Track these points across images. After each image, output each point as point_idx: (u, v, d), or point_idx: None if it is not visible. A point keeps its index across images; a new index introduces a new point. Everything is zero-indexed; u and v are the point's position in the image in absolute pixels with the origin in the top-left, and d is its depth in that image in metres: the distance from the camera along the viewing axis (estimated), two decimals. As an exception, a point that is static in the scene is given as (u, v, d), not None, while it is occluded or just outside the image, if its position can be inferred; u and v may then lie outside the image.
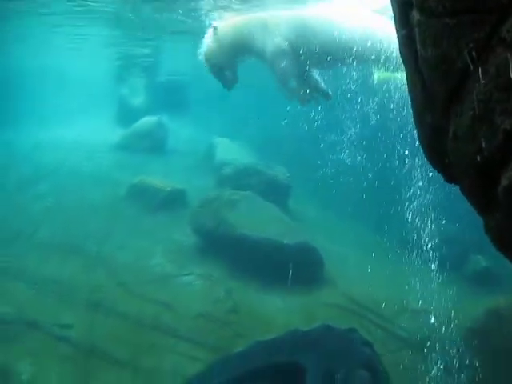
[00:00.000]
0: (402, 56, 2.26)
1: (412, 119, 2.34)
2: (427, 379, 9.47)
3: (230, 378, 6.48)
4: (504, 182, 1.68)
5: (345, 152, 18.01)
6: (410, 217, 15.24)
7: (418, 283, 12.51)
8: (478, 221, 2.12)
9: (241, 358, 6.98)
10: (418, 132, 2.27)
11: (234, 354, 7.60)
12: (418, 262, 14.25)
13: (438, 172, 2.24)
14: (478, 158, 1.73)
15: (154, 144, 19.10)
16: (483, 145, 1.67)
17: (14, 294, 10.57)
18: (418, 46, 1.95)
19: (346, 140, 18.24)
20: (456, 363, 9.59)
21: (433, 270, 13.53)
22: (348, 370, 4.94)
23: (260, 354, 6.60)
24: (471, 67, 1.65)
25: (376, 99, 16.96)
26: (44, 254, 11.84)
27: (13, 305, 10.26)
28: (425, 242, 14.90)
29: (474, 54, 1.62)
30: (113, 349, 9.40)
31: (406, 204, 15.37)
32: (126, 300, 10.43)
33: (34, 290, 10.74)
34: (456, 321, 10.30)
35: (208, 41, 8.72)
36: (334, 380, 4.85)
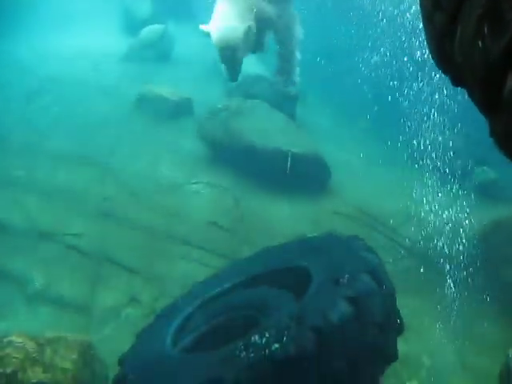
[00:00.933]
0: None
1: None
2: (429, 285, 9.70)
3: (237, 282, 6.65)
4: (510, 83, 1.66)
5: (361, 63, 17.75)
6: (420, 130, 15.18)
7: (424, 194, 12.59)
8: (486, 134, 2.10)
9: (249, 262, 7.14)
10: (426, 33, 2.22)
11: (243, 260, 7.77)
12: (425, 174, 14.30)
13: (445, 74, 2.20)
14: (485, 58, 1.69)
15: (160, 53, 18.74)
16: (490, 44, 1.63)
17: (25, 204, 10.71)
18: None
19: (362, 52, 17.95)
20: (457, 271, 9.78)
21: (440, 181, 13.60)
22: (351, 274, 5.05)
23: (267, 259, 6.75)
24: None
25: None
26: (53, 165, 11.90)
27: (24, 215, 10.43)
28: (433, 154, 14.90)
29: None
30: (123, 257, 9.62)
31: (416, 117, 15.26)
32: (136, 209, 10.57)
33: (45, 200, 10.87)
34: (460, 230, 10.43)
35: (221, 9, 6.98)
36: (339, 284, 4.97)
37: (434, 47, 2.17)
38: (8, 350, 6.06)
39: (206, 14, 7.53)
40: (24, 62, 17.32)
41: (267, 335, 4.58)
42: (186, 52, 19.39)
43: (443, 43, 2.06)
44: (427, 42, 2.24)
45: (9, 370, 5.84)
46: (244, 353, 4.54)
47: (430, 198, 12.28)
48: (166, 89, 14.93)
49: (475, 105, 2.05)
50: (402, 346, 5.73)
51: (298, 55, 6.30)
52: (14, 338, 6.28)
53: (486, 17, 1.61)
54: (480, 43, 1.67)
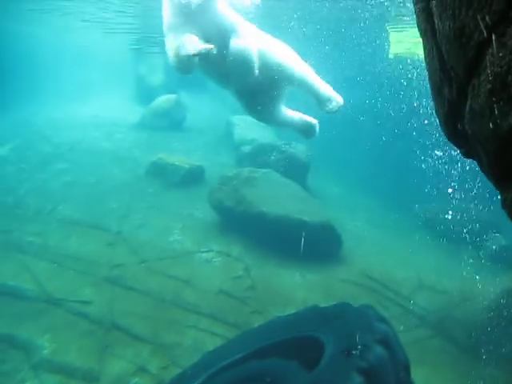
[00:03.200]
0: (419, 30, 2.24)
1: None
2: (444, 356, 9.50)
3: (248, 352, 6.54)
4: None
5: (365, 131, 17.98)
6: (429, 196, 15.20)
7: (435, 261, 12.50)
8: (496, 200, 2.12)
9: (260, 332, 7.03)
10: (436, 106, 2.26)
11: (253, 329, 7.66)
12: (436, 241, 14.23)
13: (455, 147, 2.23)
14: (495, 132, 1.72)
15: (172, 122, 19.12)
16: (499, 120, 1.66)
17: (35, 270, 10.72)
18: (436, 20, 1.93)
19: (365, 118, 18.21)
20: (471, 341, 9.59)
21: (451, 249, 13.51)
22: (365, 346, 4.96)
23: (278, 329, 6.65)
24: (488, 40, 1.64)
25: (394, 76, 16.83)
26: (64, 231, 11.97)
27: (34, 281, 10.42)
28: (443, 220, 14.87)
29: (491, 26, 1.60)
30: (132, 325, 9.52)
31: (426, 184, 15.32)
32: (146, 276, 10.54)
33: (55, 266, 10.88)
34: (473, 299, 10.29)
35: None
36: (351, 356, 4.88)
37: (443, 120, 2.21)
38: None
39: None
40: (40, 130, 17.70)
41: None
42: (198, 120, 19.76)
43: (452, 117, 2.09)
44: (437, 115, 2.28)
45: None
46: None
47: (442, 266, 12.18)
48: (177, 157, 15.14)
49: (486, 176, 2.07)
50: (416, 419, 5.57)
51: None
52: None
53: (495, 92, 1.64)
54: (490, 118, 1.70)
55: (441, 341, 9.88)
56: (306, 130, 6.33)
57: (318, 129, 6.38)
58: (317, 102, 5.73)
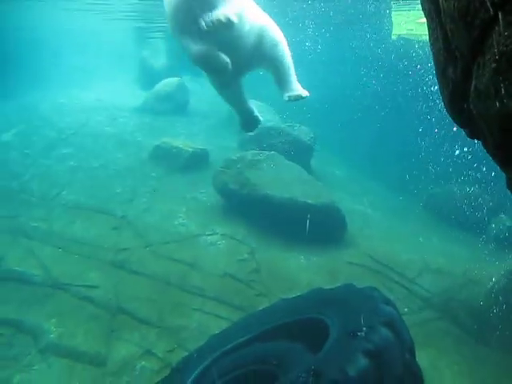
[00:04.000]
0: (423, 10, 2.21)
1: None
2: (449, 338, 9.53)
3: (253, 335, 6.57)
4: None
5: (370, 113, 17.93)
6: (434, 179, 15.17)
7: (440, 244, 12.50)
8: (502, 182, 2.11)
9: (265, 315, 7.06)
10: (440, 87, 2.24)
11: (258, 312, 7.68)
12: (441, 223, 14.24)
13: (460, 127, 2.21)
14: (501, 112, 1.70)
15: (176, 105, 19.07)
16: (505, 99, 1.64)
17: (41, 255, 10.77)
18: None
19: (371, 101, 18.15)
20: (476, 323, 9.61)
21: (456, 231, 13.51)
22: (370, 327, 4.97)
23: (283, 312, 6.67)
24: (494, 18, 1.61)
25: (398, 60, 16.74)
26: (69, 216, 12.01)
27: (40, 266, 10.48)
28: (448, 203, 14.86)
29: (498, 3, 1.58)
30: (138, 309, 9.56)
31: (430, 166, 15.29)
32: (151, 260, 10.57)
33: (60, 251, 10.92)
34: (478, 281, 10.30)
35: None
36: (357, 337, 4.89)
37: (448, 101, 2.19)
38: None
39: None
40: (44, 115, 17.69)
41: (284, 390, 4.50)
42: (201, 104, 19.69)
43: (457, 97, 2.07)
44: (441, 96, 2.26)
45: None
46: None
47: (446, 248, 12.19)
48: (181, 140, 15.12)
49: (491, 157, 2.06)
50: (421, 400, 5.60)
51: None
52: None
53: (501, 71, 1.62)
54: (496, 97, 1.68)
55: (445, 323, 9.91)
56: (249, 123, 6.27)
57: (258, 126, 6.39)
58: (282, 87, 5.62)
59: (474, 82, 1.83)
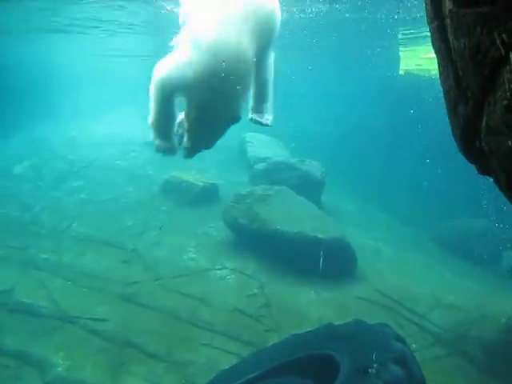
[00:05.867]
0: (433, 48, 2.24)
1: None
2: (460, 374, 9.38)
3: (263, 370, 6.51)
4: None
5: (380, 148, 18.01)
6: (444, 213, 15.13)
7: (451, 278, 12.41)
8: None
9: (275, 351, 7.00)
10: (451, 124, 2.25)
11: (268, 348, 7.63)
12: (451, 257, 14.16)
13: (471, 164, 2.22)
14: (512, 149, 1.71)
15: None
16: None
17: (50, 287, 10.78)
18: (451, 38, 1.93)
19: (381, 136, 18.23)
20: (488, 359, 9.48)
21: (467, 265, 13.42)
22: (381, 364, 4.92)
23: (293, 348, 6.62)
24: (505, 57, 1.64)
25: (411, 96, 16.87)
26: (79, 248, 12.05)
27: (49, 299, 10.47)
28: (459, 236, 14.79)
29: (508, 43, 1.60)
30: (147, 342, 9.51)
31: (440, 200, 15.25)
32: (160, 294, 10.55)
33: (70, 283, 10.93)
34: (490, 316, 10.18)
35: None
36: (367, 374, 4.84)
37: (459, 137, 2.20)
38: None
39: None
40: (56, 148, 17.87)
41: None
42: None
43: (468, 133, 2.09)
44: (452, 132, 2.28)
45: None
46: None
47: (458, 283, 12.09)
48: (191, 174, 15.18)
49: (503, 193, 2.06)
50: None
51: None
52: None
53: (510, 109, 1.64)
54: (507, 135, 1.69)
55: (457, 359, 9.77)
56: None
57: None
58: (254, 105, 5.47)
59: (485, 119, 1.84)
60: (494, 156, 1.89)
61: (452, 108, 2.17)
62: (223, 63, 4.39)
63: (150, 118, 5.07)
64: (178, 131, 5.27)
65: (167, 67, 4.56)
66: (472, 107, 1.95)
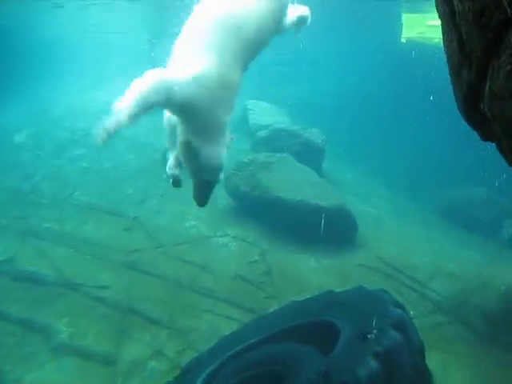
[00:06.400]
0: (438, 12, 2.21)
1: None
2: (460, 341, 9.48)
3: (263, 336, 6.58)
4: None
5: (381, 116, 17.90)
6: (446, 182, 15.11)
7: (452, 247, 12.45)
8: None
9: (276, 317, 7.07)
10: (454, 89, 2.24)
11: (269, 314, 7.69)
12: (453, 226, 14.18)
13: (474, 130, 2.21)
14: (516, 114, 1.70)
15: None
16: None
17: (53, 256, 10.83)
18: (455, 1, 1.91)
19: (382, 104, 18.11)
20: (488, 327, 9.56)
21: (468, 235, 13.46)
22: (380, 330, 4.97)
23: (294, 314, 6.68)
24: (510, 20, 1.61)
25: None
26: (81, 217, 12.07)
27: (51, 267, 10.53)
28: (460, 206, 14.80)
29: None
30: (149, 309, 9.59)
31: (441, 170, 15.22)
32: (162, 261, 10.60)
33: (72, 252, 10.98)
34: (490, 285, 10.24)
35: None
36: (367, 340, 4.89)
37: (461, 102, 2.19)
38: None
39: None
40: (56, 116, 17.78)
41: (295, 391, 4.51)
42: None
43: (471, 98, 2.07)
44: (455, 97, 2.26)
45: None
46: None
47: (458, 252, 12.13)
48: (192, 142, 15.12)
49: (505, 159, 2.05)
50: (432, 403, 5.59)
51: None
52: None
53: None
54: (509, 100, 1.68)
55: (457, 327, 9.86)
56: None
57: None
58: None
59: (488, 84, 1.83)
60: (496, 121, 1.88)
61: (455, 73, 2.15)
62: None
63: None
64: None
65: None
66: (475, 72, 1.94)
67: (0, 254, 10.86)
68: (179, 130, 4.35)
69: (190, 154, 4.27)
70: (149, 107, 4.01)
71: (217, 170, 4.37)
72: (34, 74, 20.34)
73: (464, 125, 2.31)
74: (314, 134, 15.75)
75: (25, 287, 10.17)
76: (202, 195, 4.68)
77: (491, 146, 2.19)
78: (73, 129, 16.79)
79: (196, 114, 4.17)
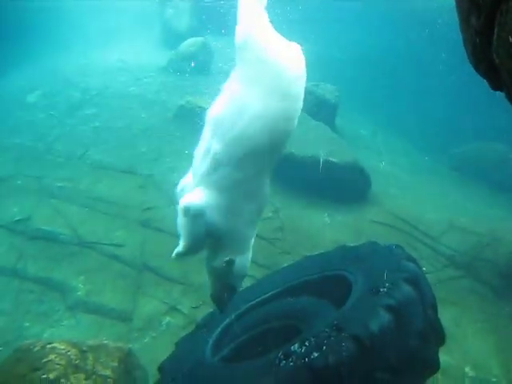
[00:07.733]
0: (447, -43, 2.16)
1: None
2: (472, 296, 9.53)
3: (277, 291, 6.64)
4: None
5: (393, 71, 17.67)
6: (462, 138, 14.97)
7: (466, 203, 12.41)
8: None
9: (289, 272, 7.12)
10: (463, 37, 2.20)
11: (282, 269, 7.75)
12: (467, 182, 14.12)
13: (483, 78, 2.18)
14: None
15: (200, 65, 18.93)
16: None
17: (68, 215, 10.91)
18: None
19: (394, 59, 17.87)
20: (501, 282, 9.59)
21: (482, 191, 13.39)
22: (392, 283, 4.99)
23: (307, 269, 6.72)
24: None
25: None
26: (95, 176, 12.11)
27: (67, 225, 10.63)
28: (474, 161, 14.70)
29: None
30: (163, 266, 9.69)
31: (457, 125, 15.05)
32: (176, 218, 10.65)
33: (87, 210, 11.06)
34: (504, 240, 10.24)
35: None
36: (379, 293, 4.92)
37: (470, 50, 2.15)
38: (51, 357, 6.12)
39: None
40: (68, 76, 17.70)
41: (307, 344, 4.56)
42: (225, 64, 19.53)
43: (480, 46, 2.04)
44: (464, 45, 2.22)
45: (52, 376, 5.90)
46: (283, 362, 4.52)
47: (472, 208, 12.10)
48: (205, 99, 15.05)
49: (514, 108, 2.03)
50: (443, 356, 5.63)
51: None
52: (57, 345, 6.35)
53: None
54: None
55: (470, 281, 9.89)
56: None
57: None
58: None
59: (496, 30, 1.80)
60: (505, 68, 1.85)
61: (464, 20, 2.11)
62: None
63: None
64: None
65: None
66: (484, 18, 1.90)
67: (16, 214, 10.95)
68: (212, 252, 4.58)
69: (229, 269, 4.47)
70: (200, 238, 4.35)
71: (243, 277, 4.68)
72: (45, 36, 20.20)
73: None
74: (328, 90, 15.59)
75: (41, 246, 10.29)
76: (223, 299, 4.93)
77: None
78: (84, 88, 16.73)
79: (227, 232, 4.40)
